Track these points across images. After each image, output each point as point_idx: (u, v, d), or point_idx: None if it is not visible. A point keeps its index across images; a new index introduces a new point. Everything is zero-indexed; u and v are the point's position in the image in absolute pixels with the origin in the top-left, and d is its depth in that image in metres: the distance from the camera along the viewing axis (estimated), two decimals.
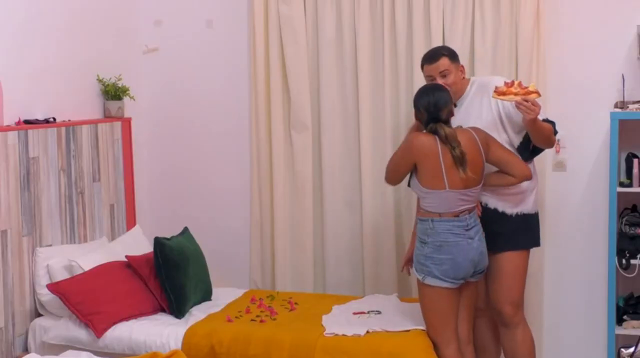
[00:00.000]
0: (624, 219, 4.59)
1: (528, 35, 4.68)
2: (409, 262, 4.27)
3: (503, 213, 4.13)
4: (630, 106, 4.49)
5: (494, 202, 4.12)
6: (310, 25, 5.09)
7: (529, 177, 4.03)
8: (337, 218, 5.16)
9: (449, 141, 3.83)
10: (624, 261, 4.47)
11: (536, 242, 4.28)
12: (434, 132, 3.87)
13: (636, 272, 4.48)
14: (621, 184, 4.53)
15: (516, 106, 3.88)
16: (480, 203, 4.09)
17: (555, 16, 4.76)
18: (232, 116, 5.41)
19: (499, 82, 4.10)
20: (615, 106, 4.59)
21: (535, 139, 4.04)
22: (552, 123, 4.09)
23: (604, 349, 4.59)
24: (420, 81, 4.39)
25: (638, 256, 4.47)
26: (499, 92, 3.91)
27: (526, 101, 3.84)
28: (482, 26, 4.76)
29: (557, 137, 4.26)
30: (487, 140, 3.97)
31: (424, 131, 3.93)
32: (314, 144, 5.17)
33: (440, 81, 4.07)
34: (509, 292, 4.18)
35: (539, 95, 3.88)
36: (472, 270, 3.96)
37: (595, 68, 4.74)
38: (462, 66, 4.22)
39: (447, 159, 3.84)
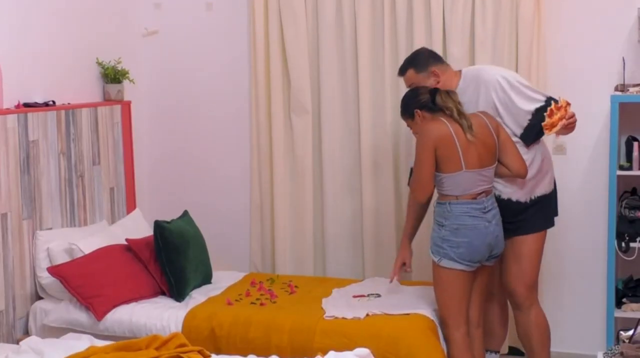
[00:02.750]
0: (624, 202, 4.59)
1: (528, 18, 4.66)
2: (400, 269, 4.34)
3: (517, 202, 4.11)
4: (631, 89, 4.48)
5: (507, 192, 4.09)
6: (310, 8, 5.07)
7: (523, 175, 4.02)
8: (337, 202, 5.16)
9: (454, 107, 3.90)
10: (623, 244, 4.47)
11: (551, 223, 4.26)
12: (444, 98, 3.92)
13: (635, 254, 4.49)
14: (621, 167, 4.53)
15: (565, 127, 3.91)
16: (495, 195, 4.06)
17: None
18: (232, 100, 5.41)
19: (489, 71, 4.09)
20: (616, 89, 4.58)
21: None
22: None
23: (603, 332, 4.59)
24: None
25: (637, 239, 4.48)
26: (549, 127, 3.88)
27: (570, 117, 3.89)
28: (483, 8, 4.73)
29: None
30: (497, 124, 4.01)
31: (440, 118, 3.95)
32: (314, 127, 5.17)
33: None
34: (523, 274, 4.16)
35: (570, 104, 3.91)
36: (488, 254, 3.97)
37: (596, 51, 4.73)
38: (436, 70, 4.13)
39: (461, 138, 3.86)
